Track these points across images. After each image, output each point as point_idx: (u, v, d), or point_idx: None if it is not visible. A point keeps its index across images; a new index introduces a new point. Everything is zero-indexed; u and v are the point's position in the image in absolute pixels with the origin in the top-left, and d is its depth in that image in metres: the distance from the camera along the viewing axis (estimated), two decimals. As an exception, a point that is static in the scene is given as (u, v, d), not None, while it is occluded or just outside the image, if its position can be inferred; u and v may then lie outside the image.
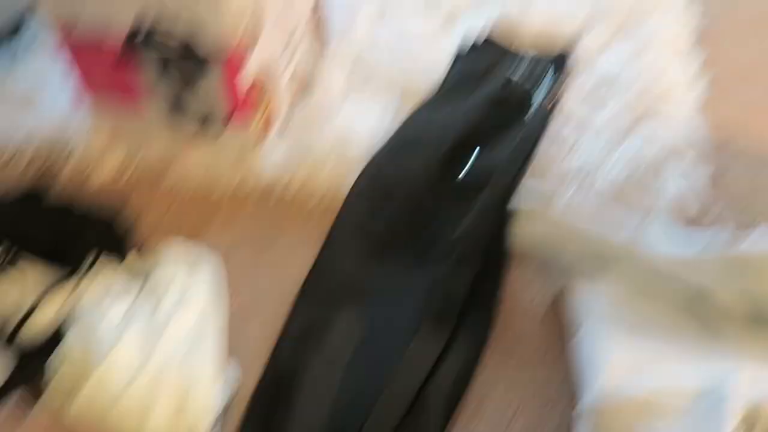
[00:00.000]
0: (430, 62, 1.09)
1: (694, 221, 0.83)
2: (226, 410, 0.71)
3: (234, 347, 0.76)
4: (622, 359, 0.66)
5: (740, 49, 1.10)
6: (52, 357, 0.70)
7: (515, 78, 1.03)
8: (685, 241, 0.75)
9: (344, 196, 0.89)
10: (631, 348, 0.68)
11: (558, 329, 0.75)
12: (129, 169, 0.98)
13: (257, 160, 0.94)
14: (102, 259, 0.79)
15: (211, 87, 0.85)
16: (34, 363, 0.70)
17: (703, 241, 0.74)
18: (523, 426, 0.69)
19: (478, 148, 0.91)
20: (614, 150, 0.92)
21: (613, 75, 1.03)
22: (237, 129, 0.91)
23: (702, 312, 0.70)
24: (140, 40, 0.82)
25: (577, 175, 0.89)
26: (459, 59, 1.09)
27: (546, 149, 0.93)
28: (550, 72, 1.05)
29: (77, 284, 0.76)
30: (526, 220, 0.79)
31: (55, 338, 0.71)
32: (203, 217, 0.92)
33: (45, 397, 0.69)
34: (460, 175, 0.88)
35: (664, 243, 0.75)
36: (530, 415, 0.70)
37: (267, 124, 0.95)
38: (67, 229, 0.82)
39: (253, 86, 0.87)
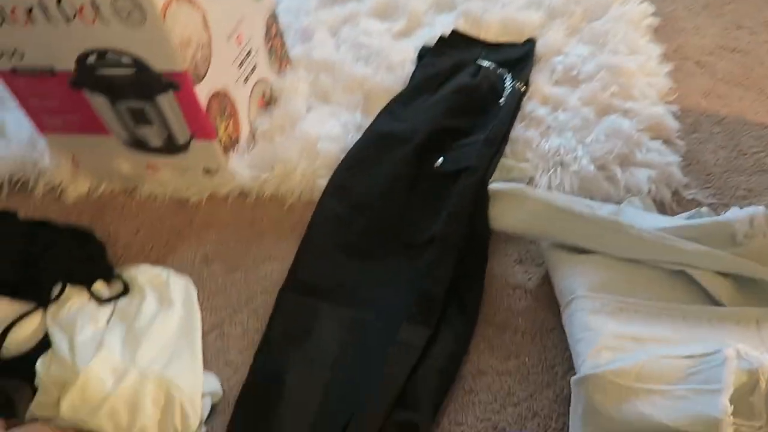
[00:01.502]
0: (394, 62, 1.08)
1: (669, 206, 0.83)
2: (212, 415, 0.68)
3: (215, 356, 0.74)
4: (614, 331, 0.64)
5: (695, 37, 1.11)
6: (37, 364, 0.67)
7: (485, 64, 1.03)
8: (663, 220, 0.75)
9: (320, 194, 0.88)
10: (622, 320, 0.66)
11: (550, 304, 0.73)
12: (99, 189, 0.97)
13: (228, 168, 0.93)
14: (71, 288, 0.76)
15: (168, 109, 0.86)
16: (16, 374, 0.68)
17: (680, 221, 0.73)
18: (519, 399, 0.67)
19: (453, 135, 0.91)
20: (591, 129, 0.91)
21: (579, 63, 1.03)
22: (203, 142, 0.90)
23: (687, 287, 0.69)
24: (85, 76, 0.83)
25: (555, 155, 0.88)
26: (426, 54, 1.09)
27: (523, 131, 0.92)
28: (519, 56, 1.05)
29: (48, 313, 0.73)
30: (507, 202, 0.77)
31: (35, 350, 0.70)
32: (177, 231, 0.90)
33: (33, 403, 0.66)
34: (437, 163, 0.86)
35: (644, 219, 0.74)
36: (524, 393, 0.67)
37: (233, 135, 0.94)
38: (39, 246, 0.79)
39: (212, 102, 0.87)
